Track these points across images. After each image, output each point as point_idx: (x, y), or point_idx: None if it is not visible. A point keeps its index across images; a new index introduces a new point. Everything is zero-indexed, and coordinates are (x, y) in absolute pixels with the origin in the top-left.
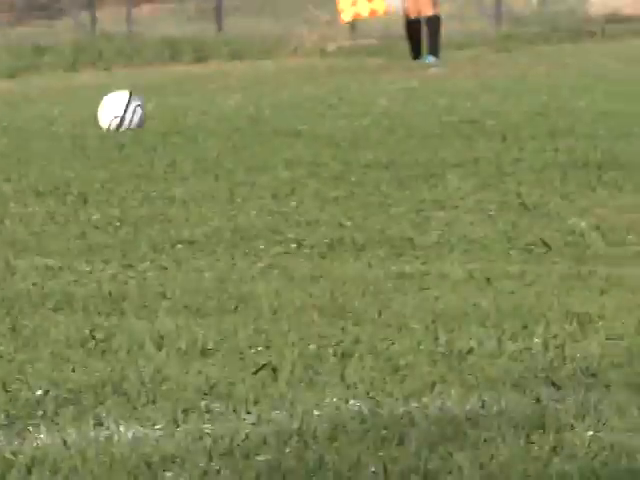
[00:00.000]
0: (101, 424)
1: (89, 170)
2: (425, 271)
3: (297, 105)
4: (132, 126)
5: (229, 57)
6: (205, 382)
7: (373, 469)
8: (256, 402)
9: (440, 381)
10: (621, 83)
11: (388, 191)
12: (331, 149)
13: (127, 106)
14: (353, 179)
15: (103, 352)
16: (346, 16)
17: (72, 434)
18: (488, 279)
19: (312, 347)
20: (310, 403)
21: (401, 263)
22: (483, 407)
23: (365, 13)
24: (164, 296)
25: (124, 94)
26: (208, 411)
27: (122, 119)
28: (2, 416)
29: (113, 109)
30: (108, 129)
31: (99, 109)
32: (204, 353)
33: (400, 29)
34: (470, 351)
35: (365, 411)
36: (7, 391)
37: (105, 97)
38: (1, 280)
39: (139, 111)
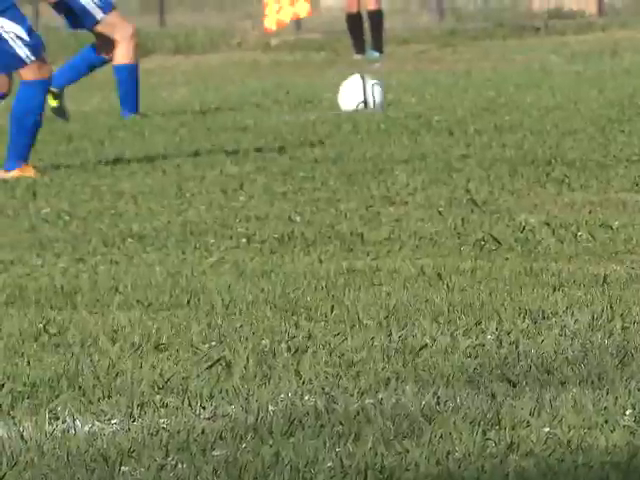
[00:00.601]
0: (57, 418)
1: (37, 163)
2: (376, 267)
3: (243, 100)
4: (376, 107)
5: (173, 51)
6: (159, 376)
7: (330, 465)
8: (211, 397)
9: (394, 377)
10: (565, 79)
11: (337, 186)
12: (278, 144)
13: (365, 89)
14: (301, 174)
15: (57, 346)
16: (270, 24)
17: (28, 428)
18: (439, 275)
19: (265, 342)
20: (265, 398)
21: (352, 259)
22: (438, 403)
23: (287, 19)
24: (116, 290)
25: (357, 78)
26: (163, 406)
27: (365, 102)
28: None
29: (353, 94)
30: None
31: (339, 96)
32: (158, 347)
33: (344, 24)
34: (424, 347)
35: (320, 407)
36: None
37: (342, 84)
38: None
39: (378, 90)
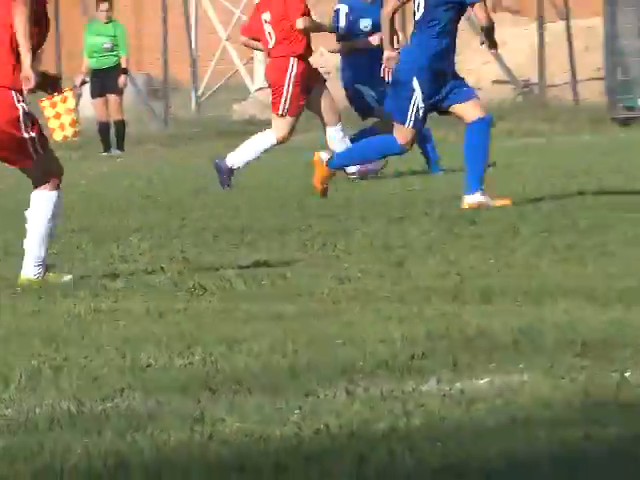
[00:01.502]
0: None
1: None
2: (116, 308)
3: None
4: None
5: None
6: None
7: (79, 452)
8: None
9: (127, 387)
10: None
11: (87, 249)
12: None
13: None
14: (62, 241)
15: None
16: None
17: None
18: (161, 313)
19: (34, 363)
20: (33, 403)
21: (97, 302)
22: (159, 405)
23: (59, 138)
24: None
25: None
26: None
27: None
28: None
29: None
30: None
31: None
32: None
33: (96, 129)
34: (149, 365)
35: (73, 410)
36: None
37: None
38: None
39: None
